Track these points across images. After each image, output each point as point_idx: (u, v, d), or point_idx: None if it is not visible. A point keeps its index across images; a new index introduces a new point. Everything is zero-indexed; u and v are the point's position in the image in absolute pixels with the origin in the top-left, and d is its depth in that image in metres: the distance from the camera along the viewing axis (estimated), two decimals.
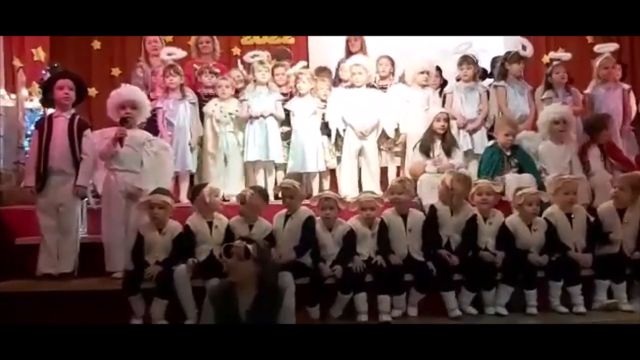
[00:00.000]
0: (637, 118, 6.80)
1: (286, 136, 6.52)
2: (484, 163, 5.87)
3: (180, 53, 6.58)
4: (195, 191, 5.19)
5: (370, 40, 7.20)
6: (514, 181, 5.53)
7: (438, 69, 7.08)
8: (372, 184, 6.14)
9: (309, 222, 4.97)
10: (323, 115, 6.52)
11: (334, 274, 4.74)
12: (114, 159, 5.24)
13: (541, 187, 5.41)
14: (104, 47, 8.92)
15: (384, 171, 6.56)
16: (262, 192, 5.16)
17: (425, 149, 5.92)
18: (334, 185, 6.51)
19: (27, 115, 7.23)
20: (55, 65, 7.36)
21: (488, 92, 6.58)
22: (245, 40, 9.00)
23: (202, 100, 6.57)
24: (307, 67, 7.10)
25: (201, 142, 6.50)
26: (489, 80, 6.95)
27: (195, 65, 6.92)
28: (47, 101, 5.88)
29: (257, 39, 8.97)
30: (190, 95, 6.46)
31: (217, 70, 6.76)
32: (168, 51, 6.57)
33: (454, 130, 6.21)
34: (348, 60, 6.81)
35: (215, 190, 5.11)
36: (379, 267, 4.81)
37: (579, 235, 5.11)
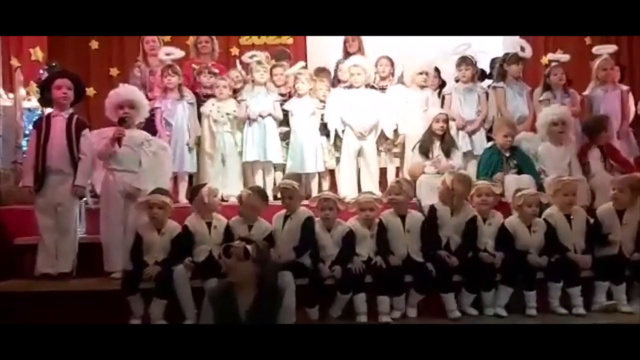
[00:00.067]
0: (635, 119, 6.80)
1: (285, 137, 6.51)
2: (483, 164, 5.86)
3: (178, 53, 6.57)
4: (193, 191, 5.19)
5: (369, 41, 7.20)
6: (513, 182, 5.52)
7: (437, 69, 7.08)
8: (371, 185, 6.12)
9: (308, 223, 4.97)
10: (322, 115, 6.51)
11: (333, 275, 4.74)
12: (113, 159, 5.23)
13: (540, 188, 5.41)
14: (102, 47, 8.93)
15: (383, 172, 6.55)
16: (261, 193, 5.15)
17: (425, 150, 5.92)
18: (333, 185, 6.50)
19: (25, 114, 7.23)
20: (53, 64, 7.37)
21: (487, 93, 6.57)
22: (244, 40, 9.01)
23: (201, 100, 6.56)
24: (306, 67, 7.09)
25: (199, 142, 6.49)
26: (487, 82, 6.95)
27: (194, 65, 6.91)
28: (45, 101, 5.88)
29: (255, 39, 8.99)
30: (189, 95, 6.44)
31: (216, 71, 6.75)
32: (166, 51, 6.55)
33: (453, 132, 6.21)
34: (347, 61, 6.79)
35: (214, 191, 5.11)
36: (379, 268, 4.80)
37: (578, 236, 5.11)
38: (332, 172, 6.62)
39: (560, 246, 5.03)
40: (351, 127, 6.33)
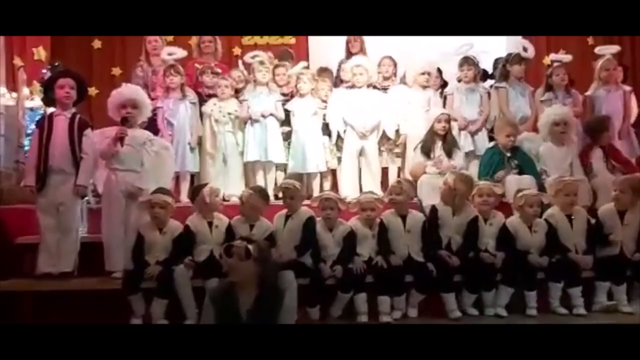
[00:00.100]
0: (637, 120, 6.79)
1: (287, 136, 6.52)
2: (484, 164, 5.86)
3: (180, 53, 6.57)
4: (195, 191, 5.19)
5: (371, 41, 7.20)
6: (514, 183, 5.52)
7: (439, 70, 7.07)
8: (372, 185, 6.12)
9: (309, 223, 4.98)
10: (324, 115, 6.51)
11: (334, 274, 4.75)
12: (115, 158, 5.23)
13: (541, 188, 5.40)
14: (104, 47, 8.93)
15: (384, 172, 6.55)
16: (262, 193, 5.16)
17: (426, 150, 5.92)
18: (334, 185, 6.50)
19: (27, 114, 7.26)
20: (56, 64, 7.38)
21: (489, 94, 6.57)
22: (246, 40, 9.00)
23: (203, 100, 6.56)
24: (308, 67, 7.09)
25: (200, 142, 6.49)
26: (490, 82, 6.94)
27: (197, 65, 6.92)
28: (47, 100, 5.89)
29: (258, 39, 8.98)
30: (191, 95, 6.45)
31: (219, 71, 6.75)
32: (169, 51, 6.56)
33: (454, 132, 6.20)
34: (349, 61, 6.80)
35: (216, 191, 5.12)
36: (380, 268, 4.81)
37: (579, 236, 5.11)
38: (333, 172, 6.62)
39: (561, 246, 5.03)
40: (353, 127, 6.33)
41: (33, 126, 5.86)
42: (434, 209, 5.17)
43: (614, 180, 5.38)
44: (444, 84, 7.06)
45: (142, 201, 4.99)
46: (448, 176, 5.20)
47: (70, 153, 5.16)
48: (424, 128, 6.14)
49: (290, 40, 8.83)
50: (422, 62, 6.78)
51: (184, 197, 6.12)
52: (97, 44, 8.89)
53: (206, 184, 5.25)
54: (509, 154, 5.78)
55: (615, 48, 6.77)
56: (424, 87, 6.58)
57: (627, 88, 6.70)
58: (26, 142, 6.82)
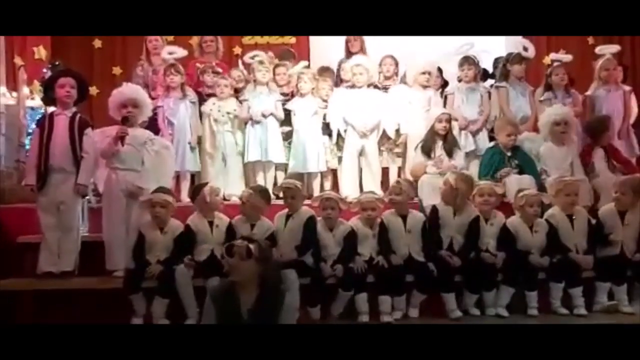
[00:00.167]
0: (637, 120, 6.79)
1: (287, 136, 6.51)
2: (484, 164, 5.85)
3: (181, 52, 6.56)
4: (195, 190, 5.20)
5: (371, 41, 7.20)
6: (514, 182, 5.52)
7: (439, 69, 7.07)
8: (372, 185, 6.12)
9: (310, 222, 4.98)
10: (324, 115, 6.50)
11: (335, 274, 4.75)
12: (115, 157, 5.23)
13: (541, 188, 5.41)
14: (105, 46, 8.93)
15: (385, 172, 6.54)
16: (263, 192, 5.16)
17: (427, 149, 5.91)
18: (335, 185, 6.50)
19: (28, 113, 7.26)
20: (57, 63, 7.38)
21: (489, 93, 6.56)
22: (247, 39, 8.99)
23: (204, 99, 6.56)
24: (309, 67, 7.09)
25: (199, 141, 6.49)
26: (490, 81, 6.94)
27: (198, 65, 6.92)
28: (48, 99, 5.88)
29: (258, 39, 8.97)
30: (191, 94, 6.44)
31: (220, 70, 6.75)
32: (169, 50, 6.55)
33: (455, 131, 6.20)
34: (349, 60, 6.80)
35: (216, 190, 5.12)
36: (380, 268, 4.81)
37: (580, 237, 5.11)
38: (334, 172, 6.62)
39: (562, 246, 5.03)
40: (353, 126, 6.33)
41: (34, 125, 5.85)
42: (434, 209, 5.17)
43: (615, 182, 5.37)
44: (445, 84, 7.06)
45: (143, 200, 5.00)
46: (449, 176, 5.20)
47: (70, 152, 5.15)
48: (424, 128, 6.13)
49: (291, 39, 8.83)
50: (423, 62, 6.77)
51: (185, 197, 6.11)
52: (97, 43, 8.89)
53: (206, 183, 5.26)
54: (509, 154, 5.77)
55: (615, 48, 6.77)
56: (425, 87, 6.57)
57: (627, 88, 6.70)
58: (27, 141, 6.82)
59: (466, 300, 4.88)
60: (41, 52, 7.98)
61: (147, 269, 4.76)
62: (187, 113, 6.36)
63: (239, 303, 3.37)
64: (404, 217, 5.07)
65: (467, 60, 6.54)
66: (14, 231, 5.51)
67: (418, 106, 6.45)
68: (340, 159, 6.50)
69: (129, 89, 5.51)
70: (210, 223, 4.97)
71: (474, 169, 5.94)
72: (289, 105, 6.50)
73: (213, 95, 6.54)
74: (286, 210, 5.11)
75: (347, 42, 7.21)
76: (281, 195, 5.28)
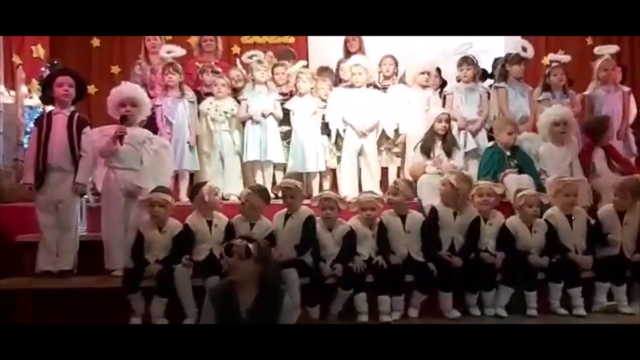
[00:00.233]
0: (636, 121, 6.79)
1: (286, 136, 6.51)
2: (484, 164, 5.84)
3: (179, 51, 6.53)
4: (194, 190, 5.20)
5: (370, 41, 7.20)
6: (513, 182, 5.52)
7: (438, 69, 7.07)
8: (371, 184, 6.12)
9: (309, 222, 4.98)
10: (323, 115, 6.50)
11: (334, 273, 4.75)
12: (114, 156, 5.22)
13: (540, 188, 5.41)
14: (103, 45, 8.90)
15: (384, 172, 6.54)
16: (262, 192, 5.15)
17: (426, 149, 5.91)
18: (334, 185, 6.50)
19: (26, 112, 7.25)
20: (55, 62, 7.36)
21: (489, 93, 6.56)
22: (245, 39, 8.97)
23: (203, 99, 6.55)
24: (307, 66, 7.09)
25: (197, 140, 6.48)
26: (489, 81, 6.94)
27: (197, 64, 6.91)
28: (46, 98, 5.86)
29: (257, 38, 8.94)
30: (189, 93, 6.42)
31: (219, 70, 6.73)
32: (167, 49, 6.52)
33: (454, 131, 6.20)
34: (348, 60, 6.79)
35: (215, 189, 5.12)
36: (380, 267, 4.81)
37: (579, 237, 5.12)
38: (333, 172, 6.61)
39: (561, 247, 5.04)
40: (352, 126, 6.32)
41: (32, 124, 5.86)
42: (433, 210, 5.17)
43: (613, 185, 5.37)
44: (444, 84, 7.07)
45: (142, 200, 4.99)
46: (448, 176, 5.20)
47: (69, 151, 5.14)
48: (423, 128, 6.14)
49: (290, 39, 8.80)
50: (422, 62, 6.77)
51: (183, 196, 6.11)
52: (96, 42, 8.86)
53: (205, 183, 5.25)
54: (508, 153, 5.77)
55: (614, 48, 6.77)
56: (424, 87, 6.57)
57: (626, 89, 6.70)
58: (25, 140, 6.82)
59: (467, 300, 4.87)
60: (39, 50, 7.96)
61: (145, 268, 4.76)
62: (186, 112, 6.34)
63: (238, 303, 3.37)
64: (403, 217, 5.07)
65: (466, 61, 6.53)
66: (12, 230, 5.50)
67: (417, 106, 6.45)
68: (339, 159, 6.50)
69: (128, 88, 5.50)
70: (209, 222, 4.97)
71: (473, 169, 5.93)
72: (287, 105, 6.50)
73: (211, 94, 6.53)
74: (285, 209, 5.10)
75: (345, 42, 7.21)
76: (280, 194, 5.27)
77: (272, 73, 6.74)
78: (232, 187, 6.16)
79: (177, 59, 6.46)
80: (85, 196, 5.54)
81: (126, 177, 5.19)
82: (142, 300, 4.71)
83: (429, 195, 5.49)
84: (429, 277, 4.79)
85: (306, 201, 5.35)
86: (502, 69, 6.62)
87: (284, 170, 6.47)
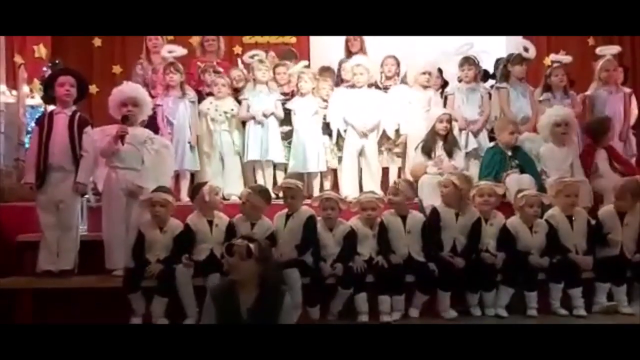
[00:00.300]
0: (637, 122, 6.79)
1: (287, 136, 6.51)
2: (485, 164, 5.83)
3: (180, 50, 6.52)
4: (195, 190, 5.20)
5: (371, 41, 7.20)
6: (514, 182, 5.52)
7: (439, 70, 7.06)
8: (372, 185, 6.12)
9: (310, 222, 4.98)
10: (324, 115, 6.50)
11: (334, 273, 4.75)
12: (115, 156, 5.22)
13: (541, 189, 5.41)
14: (105, 45, 8.90)
15: (385, 172, 6.54)
16: (263, 192, 5.15)
17: (427, 150, 5.90)
18: (335, 185, 6.50)
19: (27, 111, 7.26)
20: (57, 62, 7.38)
21: (490, 94, 6.56)
22: (247, 39, 8.96)
23: (204, 98, 6.55)
24: (309, 66, 7.09)
25: (197, 140, 6.48)
26: (491, 82, 6.93)
27: (199, 64, 6.91)
28: (48, 98, 5.88)
29: (258, 38, 8.93)
30: (190, 93, 6.42)
31: (220, 70, 6.73)
32: (169, 49, 6.51)
33: (455, 132, 6.19)
34: (350, 60, 6.80)
35: (215, 189, 5.12)
36: (380, 267, 4.81)
37: (579, 237, 5.12)
38: (334, 172, 6.61)
39: (562, 247, 5.04)
40: (353, 126, 6.32)
41: (33, 124, 5.85)
42: (434, 211, 5.17)
43: (614, 187, 5.37)
44: (445, 84, 7.06)
45: (143, 199, 5.00)
46: (449, 177, 5.20)
47: (70, 151, 5.14)
48: (424, 128, 6.13)
49: (291, 39, 8.80)
50: (423, 62, 6.77)
51: (184, 196, 6.11)
52: (97, 42, 8.87)
53: (206, 183, 5.26)
54: (509, 153, 5.76)
55: (615, 49, 6.76)
56: (425, 87, 6.57)
57: (628, 90, 6.69)
58: (26, 139, 6.82)
59: (468, 300, 4.87)
60: (41, 50, 7.96)
61: (146, 268, 4.77)
62: (187, 112, 6.34)
63: (239, 302, 3.37)
64: (404, 218, 5.07)
65: (467, 61, 6.53)
66: (13, 230, 5.51)
67: (418, 106, 6.45)
68: (340, 159, 6.49)
69: (129, 88, 5.50)
70: (210, 222, 4.97)
71: (474, 170, 5.93)
72: (289, 105, 6.50)
73: (212, 94, 6.53)
74: (286, 210, 5.10)
75: (347, 42, 7.20)
76: (281, 194, 5.27)
77: (274, 73, 6.74)
78: (232, 187, 6.16)
79: (179, 59, 6.46)
80: (86, 196, 5.54)
81: (127, 177, 5.20)
82: (142, 300, 4.71)
83: (430, 195, 5.49)
84: (429, 277, 4.79)
85: (307, 201, 5.35)
86: (504, 69, 6.61)
87: (285, 170, 6.47)
